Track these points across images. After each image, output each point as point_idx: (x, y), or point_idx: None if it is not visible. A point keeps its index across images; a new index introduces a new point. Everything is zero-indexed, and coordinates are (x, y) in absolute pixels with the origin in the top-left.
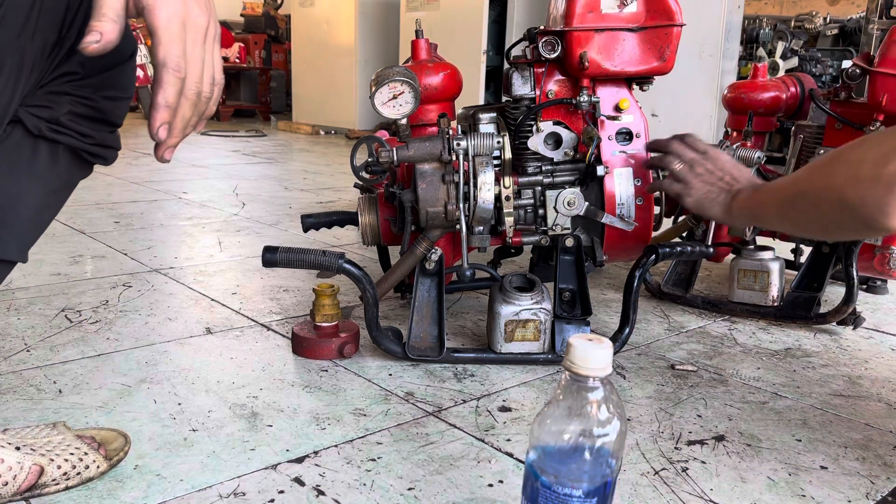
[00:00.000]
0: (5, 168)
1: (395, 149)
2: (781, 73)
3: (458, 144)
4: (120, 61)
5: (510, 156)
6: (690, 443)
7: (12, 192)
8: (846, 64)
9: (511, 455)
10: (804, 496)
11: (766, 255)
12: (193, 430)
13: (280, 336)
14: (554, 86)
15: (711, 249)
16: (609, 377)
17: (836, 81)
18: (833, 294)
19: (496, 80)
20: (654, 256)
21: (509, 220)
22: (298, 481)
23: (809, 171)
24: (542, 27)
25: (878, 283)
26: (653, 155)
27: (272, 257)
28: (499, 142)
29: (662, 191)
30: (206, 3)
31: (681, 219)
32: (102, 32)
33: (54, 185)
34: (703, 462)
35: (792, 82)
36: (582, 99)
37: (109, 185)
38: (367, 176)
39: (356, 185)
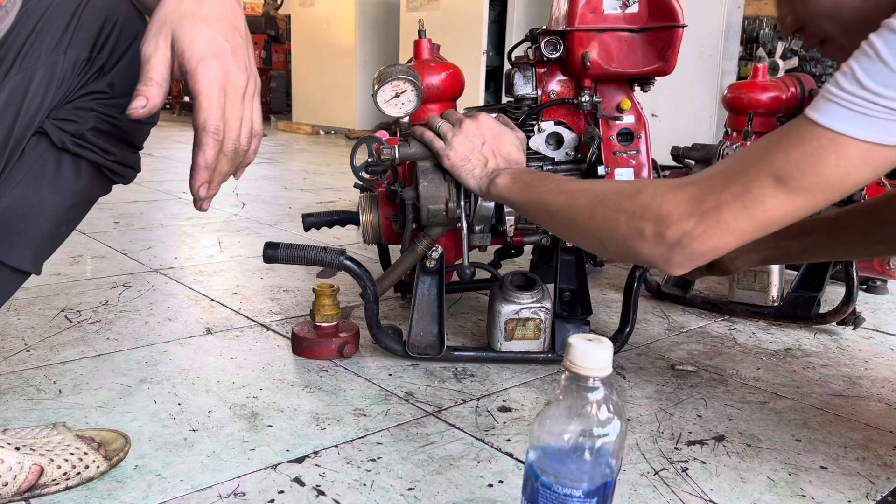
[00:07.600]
0: (29, 178)
1: (397, 146)
2: (781, 73)
3: None
4: None
5: None
6: (690, 443)
7: (34, 201)
8: None
9: (511, 455)
10: (804, 496)
11: None
12: (193, 431)
13: (280, 336)
14: (556, 86)
15: None
16: (609, 377)
17: None
18: (833, 294)
19: (496, 80)
20: None
21: (510, 220)
22: (298, 481)
23: (585, 203)
24: (544, 27)
25: (878, 283)
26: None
27: (273, 253)
28: None
29: (422, 140)
30: (245, 62)
31: None
32: (148, 98)
33: (75, 200)
34: (703, 462)
35: (792, 82)
36: (584, 99)
37: None
38: (366, 176)
39: (356, 186)
